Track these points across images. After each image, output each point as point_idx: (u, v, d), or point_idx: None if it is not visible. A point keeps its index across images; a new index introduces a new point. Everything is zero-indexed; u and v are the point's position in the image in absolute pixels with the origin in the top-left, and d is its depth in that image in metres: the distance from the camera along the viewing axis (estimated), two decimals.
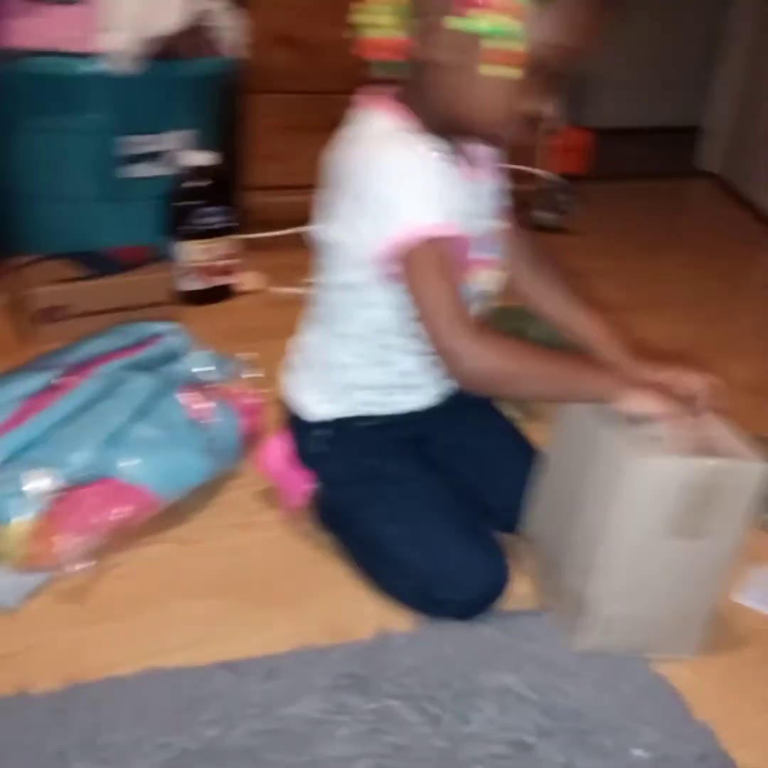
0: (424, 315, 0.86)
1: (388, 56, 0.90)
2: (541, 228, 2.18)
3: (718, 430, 0.88)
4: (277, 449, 1.09)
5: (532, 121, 0.87)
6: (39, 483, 0.98)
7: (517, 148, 2.08)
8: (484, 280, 1.01)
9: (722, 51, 2.92)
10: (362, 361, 0.99)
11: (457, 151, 0.92)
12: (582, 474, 0.91)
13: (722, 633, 0.95)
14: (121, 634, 0.91)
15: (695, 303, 1.94)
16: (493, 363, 0.85)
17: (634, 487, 0.83)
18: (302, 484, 1.06)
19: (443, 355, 0.86)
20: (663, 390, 0.87)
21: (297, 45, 1.92)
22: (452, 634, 0.91)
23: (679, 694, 0.85)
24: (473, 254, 0.96)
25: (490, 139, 0.92)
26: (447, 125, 0.89)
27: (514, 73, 0.81)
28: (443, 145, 0.90)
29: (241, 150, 2.04)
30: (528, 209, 2.18)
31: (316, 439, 1.03)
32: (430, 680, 0.86)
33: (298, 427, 1.06)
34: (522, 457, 1.05)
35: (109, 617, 0.93)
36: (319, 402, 1.03)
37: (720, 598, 0.90)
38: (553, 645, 0.90)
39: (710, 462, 0.82)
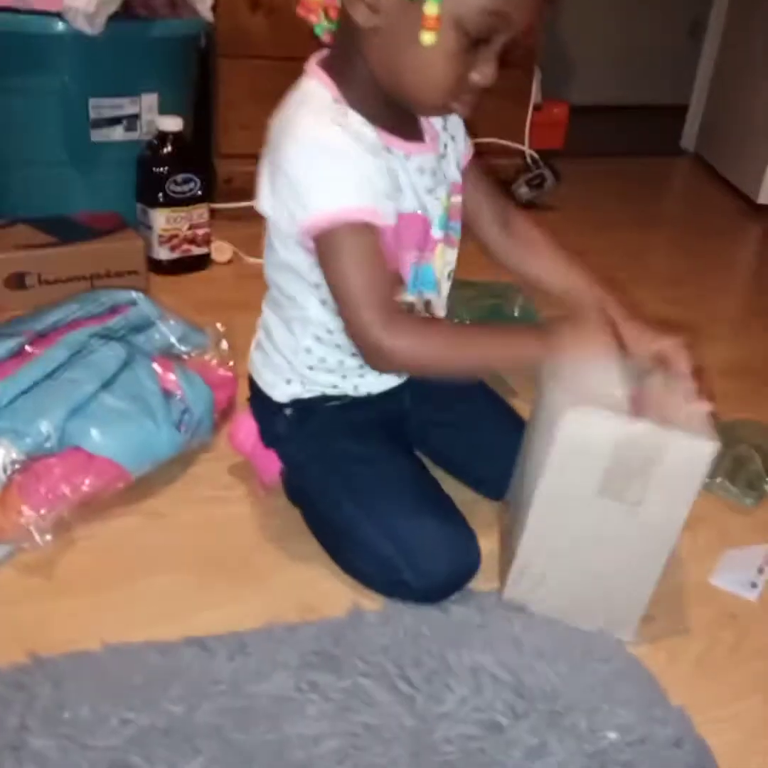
0: (339, 304, 0.84)
1: (316, 19, 0.86)
2: (518, 204, 2.17)
3: (692, 402, 0.86)
4: (248, 426, 1.07)
5: (477, 94, 0.84)
6: (3, 452, 0.95)
7: (497, 123, 2.09)
8: (446, 259, 0.98)
9: (703, 30, 2.92)
10: (323, 345, 0.96)
11: (397, 123, 0.88)
12: (535, 431, 0.91)
13: (697, 616, 0.95)
14: (87, 609, 0.89)
15: (671, 282, 1.94)
16: (412, 352, 0.84)
17: (566, 439, 0.82)
18: (274, 462, 1.04)
19: (360, 348, 0.85)
20: (611, 334, 0.85)
21: (269, 9, 1.88)
22: (426, 614, 0.89)
23: (653, 677, 0.84)
24: (434, 232, 0.93)
25: (432, 111, 0.89)
26: (385, 95, 0.85)
27: (458, 41, 0.77)
28: (380, 116, 0.86)
29: (213, 116, 1.99)
30: (506, 184, 2.17)
31: (279, 419, 1.01)
32: (403, 659, 0.84)
33: (262, 407, 1.03)
34: (506, 423, 1.04)
35: (74, 591, 0.91)
36: (282, 383, 1.00)
37: (655, 582, 0.87)
38: (529, 626, 0.89)
39: (644, 427, 0.80)
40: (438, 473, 1.07)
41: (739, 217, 2.44)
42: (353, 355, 0.95)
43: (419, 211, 0.90)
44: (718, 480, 1.15)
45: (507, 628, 0.89)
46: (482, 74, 0.81)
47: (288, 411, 1.00)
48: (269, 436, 1.03)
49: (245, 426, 1.07)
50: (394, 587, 0.91)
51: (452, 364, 0.88)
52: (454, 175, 0.97)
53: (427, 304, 0.98)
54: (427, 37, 0.77)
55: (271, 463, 1.04)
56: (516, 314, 1.41)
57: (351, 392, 1.00)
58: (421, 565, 0.89)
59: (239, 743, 0.75)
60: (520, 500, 0.93)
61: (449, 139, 0.97)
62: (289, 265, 0.91)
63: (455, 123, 0.98)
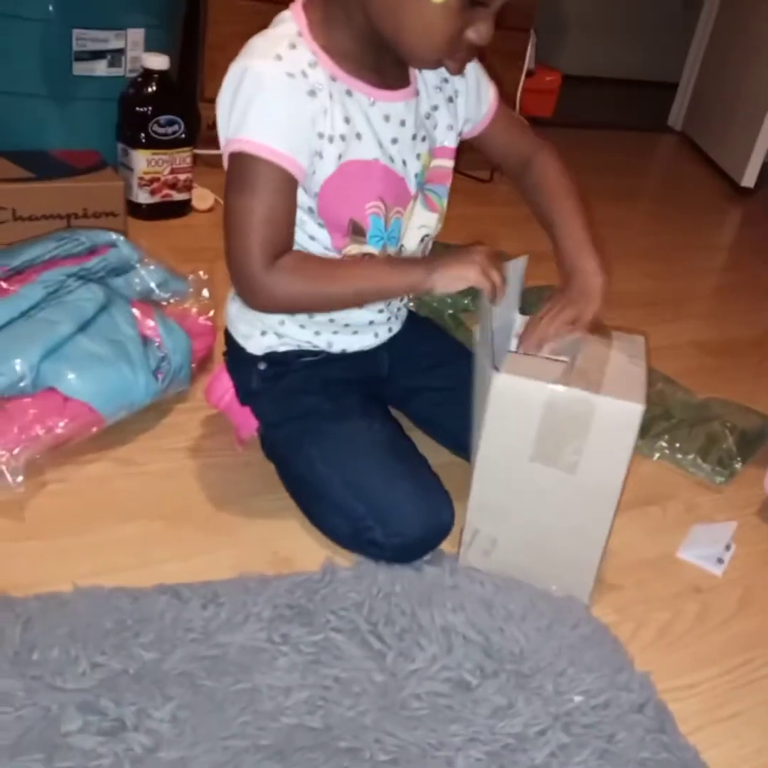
0: (229, 231, 0.84)
1: None
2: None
3: (633, 366, 0.87)
4: (225, 381, 1.05)
5: (472, 53, 0.85)
6: None
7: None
8: (421, 220, 0.97)
9: (698, 1, 2.90)
10: None
11: (373, 69, 0.87)
12: (476, 397, 0.93)
13: (664, 587, 0.97)
14: (57, 552, 0.88)
15: (651, 257, 1.95)
16: (288, 290, 0.84)
17: (497, 405, 0.84)
18: (251, 418, 1.02)
19: (237, 282, 0.85)
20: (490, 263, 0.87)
21: None
22: (399, 572, 0.90)
23: (619, 644, 0.86)
24: (410, 187, 0.92)
25: (424, 65, 0.88)
26: (369, 41, 0.84)
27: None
28: (353, 59, 0.85)
29: (199, 59, 1.94)
30: None
31: (253, 374, 1.00)
32: (375, 616, 0.85)
33: (237, 361, 1.02)
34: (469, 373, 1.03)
35: (44, 534, 0.90)
36: (257, 334, 0.99)
37: (602, 545, 0.89)
38: (499, 589, 0.90)
39: (571, 391, 0.81)
40: (418, 435, 1.07)
41: (722, 198, 2.46)
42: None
43: (382, 160, 0.89)
44: (690, 456, 1.16)
45: (478, 589, 0.90)
46: (478, 33, 0.82)
47: (262, 366, 0.99)
48: (244, 392, 1.02)
49: (222, 382, 1.05)
50: (365, 546, 0.91)
51: (329, 296, 0.87)
52: (442, 137, 0.96)
53: None
54: None
55: (247, 419, 1.03)
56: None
57: (326, 348, 0.99)
58: (392, 525, 0.89)
59: (210, 691, 0.75)
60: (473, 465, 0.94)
61: (445, 101, 0.95)
62: None
63: (463, 86, 0.97)
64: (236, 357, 1.02)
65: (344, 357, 1.00)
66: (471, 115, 0.99)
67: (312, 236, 0.91)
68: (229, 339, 1.03)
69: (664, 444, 1.18)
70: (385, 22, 0.82)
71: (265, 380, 1.00)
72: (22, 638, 0.76)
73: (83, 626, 0.78)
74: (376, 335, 1.02)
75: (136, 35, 1.69)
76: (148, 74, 1.64)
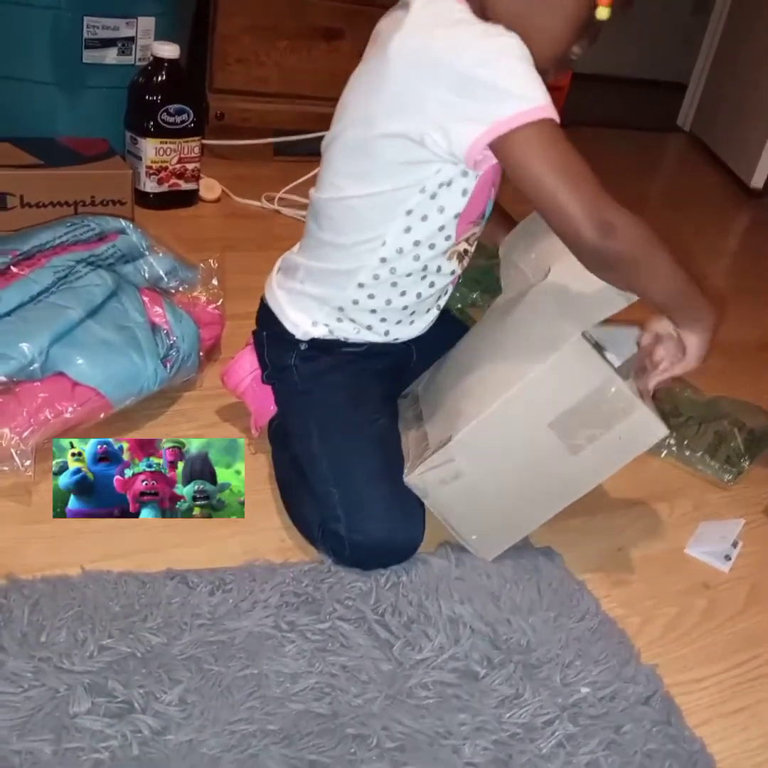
0: (562, 189, 0.78)
1: None
2: None
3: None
4: (245, 365, 1.05)
5: (568, 66, 0.87)
6: None
7: None
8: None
9: (708, 8, 2.90)
10: (379, 283, 0.93)
11: None
12: (508, 332, 0.93)
13: (671, 583, 0.97)
14: (65, 536, 0.88)
15: None
16: (642, 233, 0.81)
17: (557, 364, 0.84)
18: (270, 404, 1.02)
19: (595, 229, 0.78)
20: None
21: None
22: (406, 564, 0.90)
23: (626, 638, 0.86)
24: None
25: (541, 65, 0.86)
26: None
27: (589, 17, 0.81)
28: None
29: (209, 49, 1.93)
30: None
31: (292, 352, 0.99)
32: (382, 606, 0.85)
33: (277, 338, 1.00)
34: None
35: (51, 518, 0.89)
36: (308, 324, 0.97)
37: (538, 525, 0.92)
38: (506, 581, 0.90)
39: (625, 389, 0.84)
40: None
41: (731, 199, 2.45)
42: (402, 294, 0.95)
43: None
44: (699, 454, 1.16)
45: (485, 582, 0.90)
46: (582, 48, 0.85)
47: (303, 346, 0.99)
48: (276, 367, 1.01)
49: (242, 366, 1.05)
50: (327, 537, 0.90)
51: (661, 270, 0.83)
52: None
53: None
54: (603, 12, 0.81)
55: (265, 405, 1.03)
56: None
57: (376, 339, 0.99)
58: (359, 521, 0.88)
59: (217, 676, 0.75)
60: (457, 391, 0.94)
61: None
62: (393, 189, 0.87)
63: None
64: (277, 336, 1.00)
65: (382, 351, 1.00)
66: None
67: (442, 208, 0.89)
68: (272, 320, 1.00)
69: (672, 441, 1.17)
70: (513, 22, 0.80)
71: (303, 359, 0.99)
72: (30, 620, 0.76)
73: (91, 609, 0.78)
74: (423, 324, 1.02)
75: (146, 23, 1.69)
76: (158, 63, 1.63)
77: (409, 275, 0.93)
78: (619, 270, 0.82)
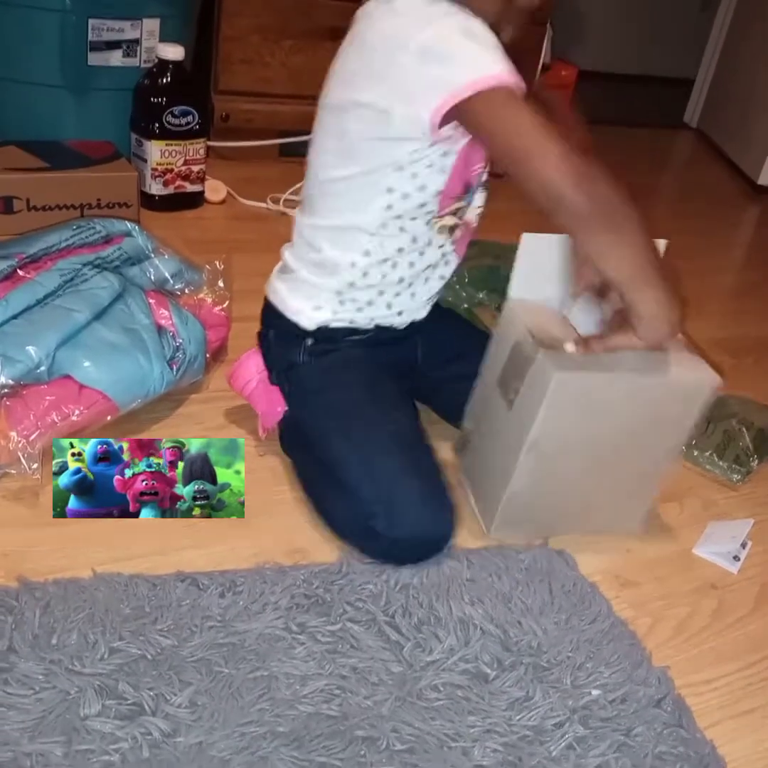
0: (533, 148, 0.80)
1: None
2: None
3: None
4: (252, 367, 1.05)
5: (525, 18, 0.88)
6: None
7: None
8: (479, 202, 1.00)
9: (715, 4, 2.89)
10: (370, 258, 0.96)
11: None
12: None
13: (680, 584, 0.96)
14: (74, 539, 0.88)
15: (665, 255, 1.93)
16: (610, 190, 0.81)
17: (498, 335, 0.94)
18: (276, 406, 1.02)
19: (573, 178, 0.79)
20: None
21: None
22: (416, 564, 0.90)
23: (637, 639, 0.86)
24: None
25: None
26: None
27: None
28: None
29: (213, 51, 1.93)
30: None
31: (299, 348, 1.00)
32: (392, 608, 0.84)
33: (283, 336, 1.01)
34: None
35: (61, 521, 0.89)
36: (310, 308, 0.99)
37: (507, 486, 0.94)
38: (517, 583, 0.90)
39: (528, 339, 0.89)
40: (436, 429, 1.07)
41: (738, 195, 2.45)
42: (394, 266, 0.97)
43: None
44: (707, 454, 1.16)
45: (496, 583, 0.89)
46: None
47: (310, 341, 0.99)
48: (284, 366, 1.01)
49: (248, 368, 1.05)
50: (362, 535, 0.90)
51: (624, 222, 0.83)
52: None
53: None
54: None
55: (272, 407, 1.03)
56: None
57: (381, 312, 1.00)
58: (398, 516, 0.88)
59: (228, 678, 0.75)
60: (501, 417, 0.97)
61: None
62: (371, 169, 0.90)
63: None
64: (282, 331, 1.01)
65: (387, 339, 1.01)
66: None
67: (423, 185, 0.91)
68: (275, 315, 1.02)
69: None
70: None
71: (311, 355, 1.00)
72: (41, 622, 0.76)
73: (102, 611, 0.78)
74: (426, 294, 1.03)
75: (151, 25, 1.69)
76: (163, 65, 1.64)
77: (400, 250, 0.96)
78: (594, 221, 0.82)
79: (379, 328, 1.01)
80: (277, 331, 1.02)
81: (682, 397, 0.91)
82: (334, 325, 0.99)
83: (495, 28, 0.86)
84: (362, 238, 0.95)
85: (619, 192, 0.82)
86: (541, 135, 0.80)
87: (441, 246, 0.99)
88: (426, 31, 0.83)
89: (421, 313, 1.04)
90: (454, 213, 0.96)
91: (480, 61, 0.81)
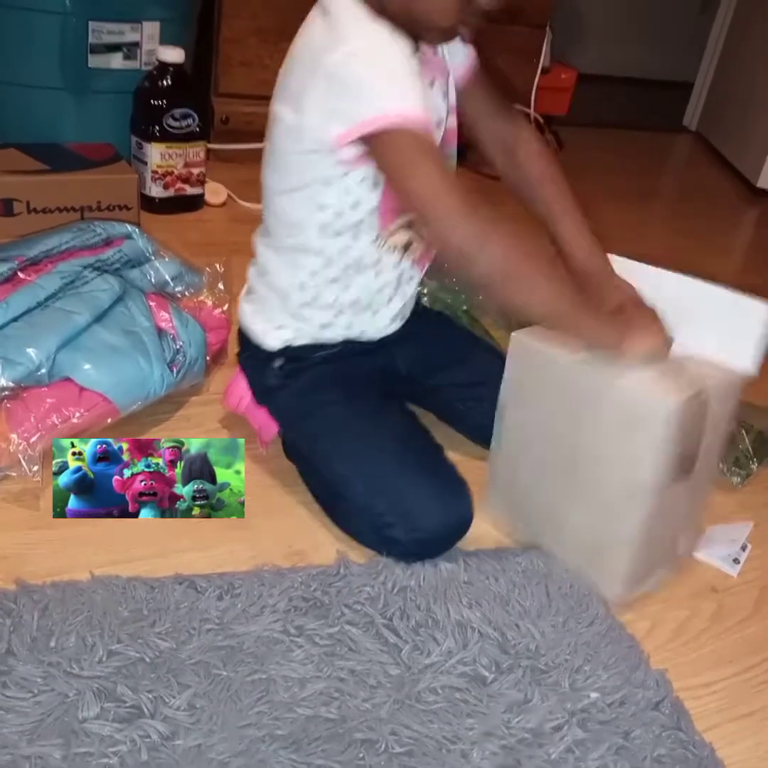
0: (419, 199, 0.81)
1: None
2: None
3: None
4: (242, 386, 1.04)
5: (482, 18, 0.85)
6: None
7: (506, 86, 2.06)
8: None
9: (714, 7, 2.89)
10: (318, 279, 0.95)
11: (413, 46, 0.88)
12: (572, 420, 0.90)
13: (680, 587, 0.96)
14: (73, 541, 0.88)
15: (664, 258, 1.93)
16: (504, 248, 0.81)
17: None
18: (271, 420, 1.02)
19: (448, 237, 0.80)
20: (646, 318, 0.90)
21: None
22: (413, 567, 0.89)
23: (635, 642, 0.86)
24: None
25: (440, 35, 0.88)
26: (399, 18, 0.84)
27: None
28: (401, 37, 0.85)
29: (213, 53, 1.94)
30: None
31: (270, 372, 1.00)
32: (390, 610, 0.84)
33: (253, 360, 1.02)
34: (494, 367, 0.99)
35: (60, 523, 0.90)
36: (273, 329, 0.98)
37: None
38: (514, 586, 0.90)
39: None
40: (441, 429, 1.07)
41: (737, 199, 2.45)
42: (346, 288, 0.95)
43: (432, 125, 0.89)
44: None
45: (493, 586, 0.89)
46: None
47: (278, 362, 0.99)
48: (260, 391, 1.02)
49: (239, 385, 1.04)
50: (386, 543, 0.90)
51: (528, 287, 0.83)
52: (453, 97, 0.96)
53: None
54: None
55: (268, 422, 1.02)
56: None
57: (343, 332, 0.98)
58: (412, 521, 0.88)
59: (226, 681, 0.75)
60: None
61: (449, 62, 0.96)
62: (303, 184, 0.89)
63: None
64: (252, 356, 1.02)
65: (359, 351, 1.00)
66: (454, 60, 0.98)
67: (356, 202, 0.90)
68: (244, 339, 1.02)
69: None
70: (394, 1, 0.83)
71: (282, 377, 0.99)
72: (40, 625, 0.76)
73: (100, 614, 0.78)
74: (390, 313, 1.01)
75: (151, 28, 1.69)
76: (163, 67, 1.64)
77: (347, 270, 0.94)
78: (500, 283, 0.84)
79: (347, 342, 1.00)
80: (249, 353, 1.03)
81: (635, 412, 0.84)
82: (298, 342, 0.98)
83: (451, 30, 0.85)
84: (306, 259, 0.94)
85: (517, 242, 0.81)
86: (436, 186, 0.80)
87: (396, 265, 0.97)
88: (337, 52, 0.81)
89: (390, 329, 1.02)
90: (408, 227, 0.94)
91: (384, 97, 0.80)
